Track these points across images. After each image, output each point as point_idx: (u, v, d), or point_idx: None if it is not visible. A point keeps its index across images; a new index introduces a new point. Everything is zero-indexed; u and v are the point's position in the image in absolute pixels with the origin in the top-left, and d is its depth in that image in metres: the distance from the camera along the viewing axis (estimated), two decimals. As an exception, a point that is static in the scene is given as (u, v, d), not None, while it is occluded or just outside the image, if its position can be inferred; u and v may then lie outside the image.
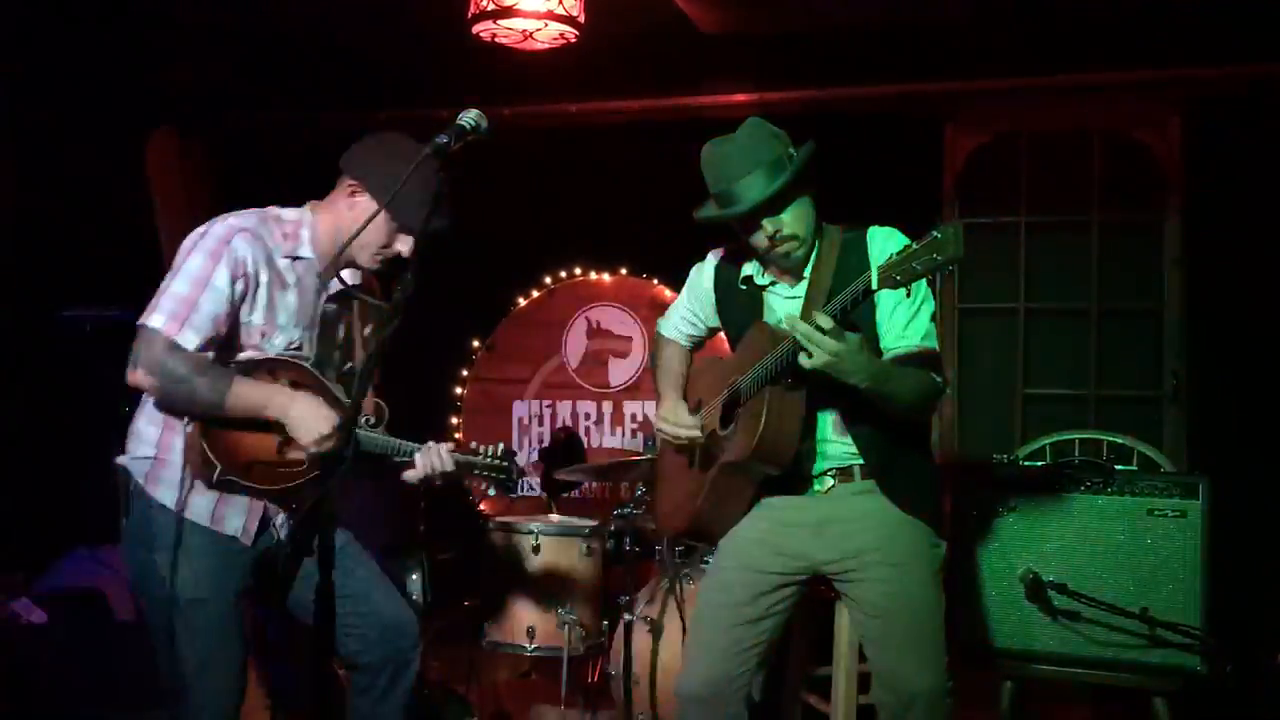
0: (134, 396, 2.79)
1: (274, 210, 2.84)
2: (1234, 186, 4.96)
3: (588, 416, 5.88)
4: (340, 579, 2.18)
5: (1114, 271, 5.29)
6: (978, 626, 3.64)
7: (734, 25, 5.12)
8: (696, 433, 3.05)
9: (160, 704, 2.78)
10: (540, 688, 4.56)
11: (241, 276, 2.69)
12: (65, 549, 4.82)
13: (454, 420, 5.98)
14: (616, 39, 4.74)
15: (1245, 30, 4.70)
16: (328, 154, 2.86)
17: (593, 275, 5.90)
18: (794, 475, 2.87)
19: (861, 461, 2.86)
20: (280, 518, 2.85)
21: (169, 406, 2.70)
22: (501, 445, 2.93)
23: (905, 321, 2.78)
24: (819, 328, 2.51)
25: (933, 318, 2.82)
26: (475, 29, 4.22)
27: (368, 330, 3.01)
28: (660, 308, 4.46)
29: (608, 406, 5.85)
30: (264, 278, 2.74)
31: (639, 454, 4.58)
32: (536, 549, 4.19)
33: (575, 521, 4.38)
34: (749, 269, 2.97)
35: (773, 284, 2.94)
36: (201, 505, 2.72)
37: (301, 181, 2.95)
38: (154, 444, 2.73)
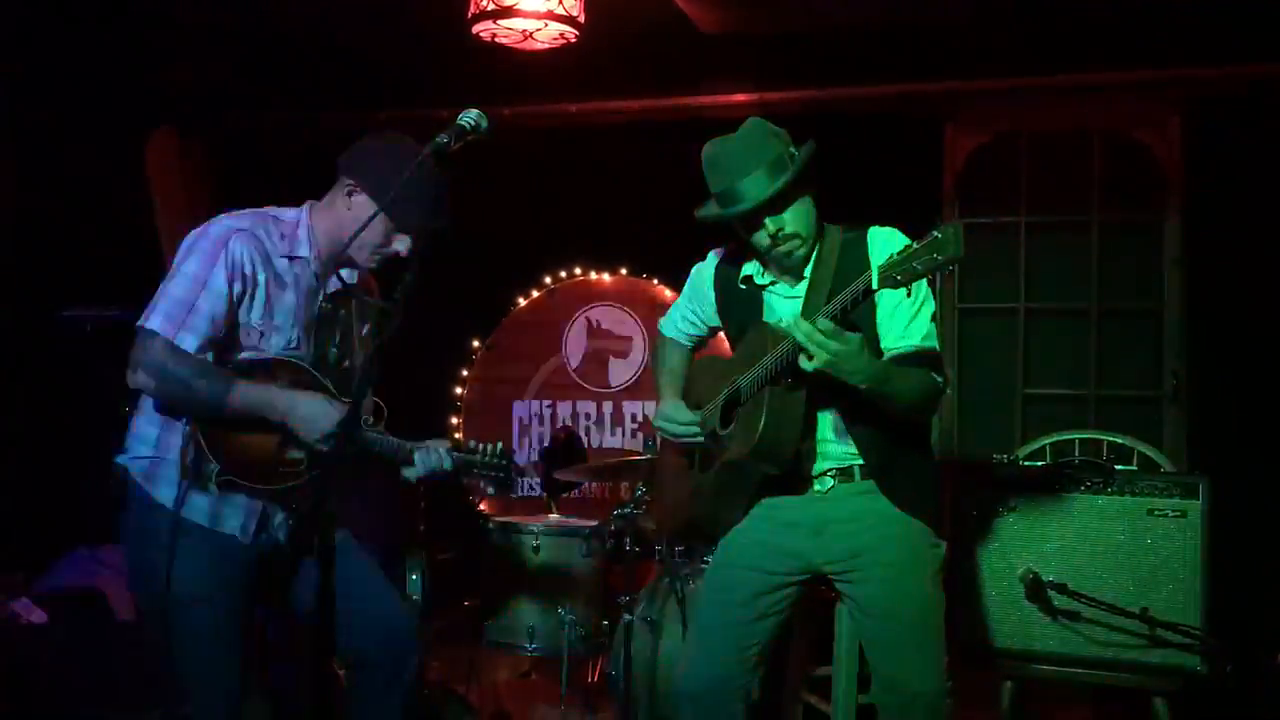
0: (133, 397, 2.80)
1: (272, 210, 2.84)
2: (1234, 186, 4.96)
3: (588, 416, 5.88)
4: (337, 578, 2.17)
5: (1114, 271, 5.30)
6: (978, 626, 3.64)
7: (734, 25, 5.12)
8: (696, 432, 3.05)
9: (159, 704, 2.78)
10: (540, 688, 4.56)
11: (239, 277, 2.69)
12: (65, 549, 4.82)
13: (454, 420, 5.98)
14: (616, 39, 4.74)
15: (1245, 30, 4.70)
16: (328, 154, 2.86)
17: (593, 275, 5.90)
18: (794, 475, 2.87)
19: (861, 462, 2.86)
20: (279, 517, 2.85)
21: (170, 409, 2.70)
22: (499, 444, 2.94)
23: (906, 321, 2.78)
24: (819, 329, 2.51)
25: (933, 317, 2.82)
26: (475, 29, 4.22)
27: (365, 329, 3.01)
28: (660, 308, 4.46)
29: (608, 406, 5.85)
30: (262, 278, 2.74)
31: (639, 454, 4.58)
32: (536, 549, 4.19)
33: (575, 521, 4.38)
34: (749, 268, 2.97)
35: (773, 284, 2.94)
36: (200, 504, 2.71)
37: (301, 181, 2.95)
38: (153, 443, 2.73)
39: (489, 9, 4.10)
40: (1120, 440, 4.10)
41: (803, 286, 2.87)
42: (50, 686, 3.98)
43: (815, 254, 2.86)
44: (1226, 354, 4.97)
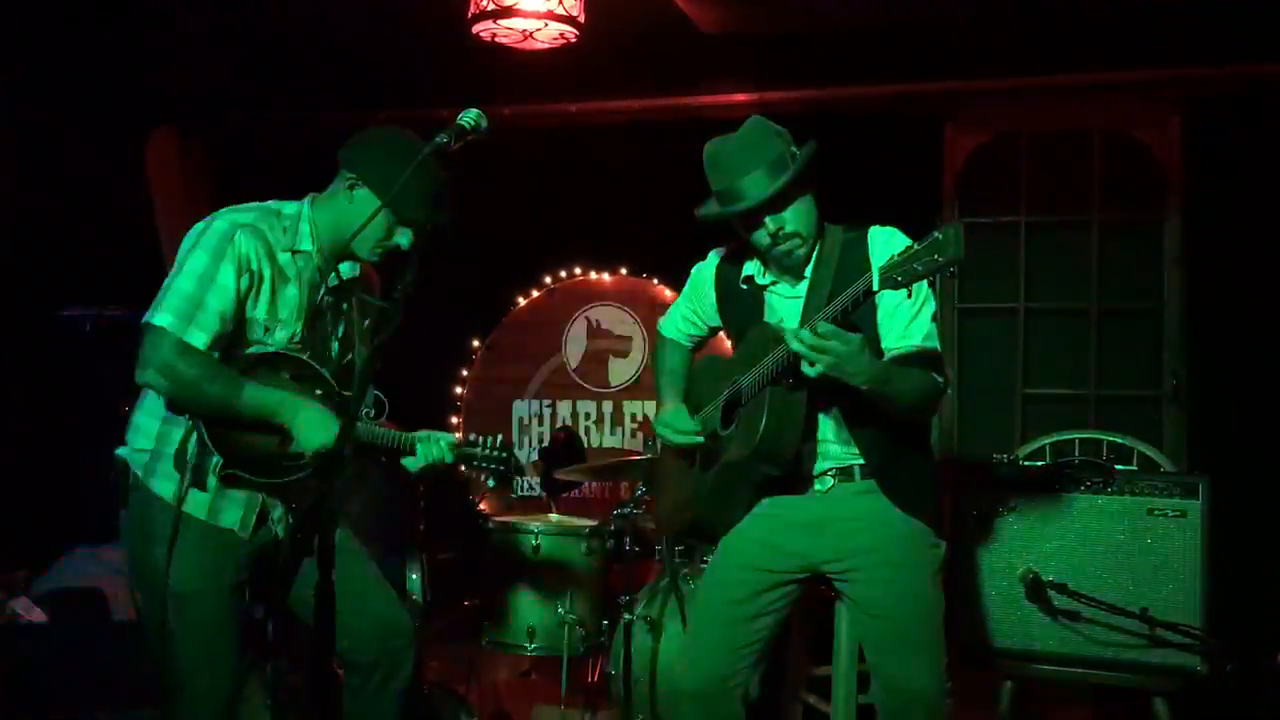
0: (133, 395, 2.80)
1: (274, 204, 2.84)
2: (1234, 186, 4.96)
3: (588, 416, 5.88)
4: (335, 577, 2.18)
5: (1114, 271, 5.30)
6: (978, 626, 3.64)
7: (734, 25, 5.12)
8: (696, 441, 3.05)
9: (157, 702, 2.78)
10: (540, 688, 4.56)
11: (246, 272, 2.69)
12: (65, 548, 4.82)
13: (454, 420, 5.98)
14: (616, 39, 4.74)
15: (1245, 30, 4.70)
16: (328, 154, 2.86)
17: (593, 275, 5.90)
18: (795, 475, 2.87)
19: (862, 462, 2.86)
20: (279, 511, 2.85)
21: (178, 408, 2.70)
22: (500, 436, 2.94)
23: (906, 321, 2.78)
24: (818, 331, 2.50)
25: (934, 317, 2.81)
26: (475, 29, 4.22)
27: (367, 323, 3.01)
28: (660, 308, 4.46)
29: (608, 406, 5.85)
30: (267, 272, 2.74)
31: (639, 454, 4.58)
32: (536, 549, 4.19)
33: (575, 521, 4.38)
34: (750, 268, 2.97)
35: (774, 283, 2.94)
36: (200, 498, 2.72)
37: (301, 181, 2.95)
38: (153, 436, 2.73)
39: (489, 9, 4.10)
40: (1120, 440, 4.10)
41: (803, 286, 2.87)
42: (50, 686, 3.98)
43: (816, 254, 2.86)
44: (1226, 354, 4.97)
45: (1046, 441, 4.15)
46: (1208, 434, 4.99)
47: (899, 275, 2.39)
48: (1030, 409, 5.34)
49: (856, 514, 2.87)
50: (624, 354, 5.82)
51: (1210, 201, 5.05)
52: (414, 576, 4.31)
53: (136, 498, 2.74)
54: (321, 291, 2.87)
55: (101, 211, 5.28)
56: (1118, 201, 5.28)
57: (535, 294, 5.96)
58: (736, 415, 2.91)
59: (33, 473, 4.96)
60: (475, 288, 5.65)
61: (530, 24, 4.18)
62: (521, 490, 5.79)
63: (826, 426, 2.87)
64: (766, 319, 2.93)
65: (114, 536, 2.83)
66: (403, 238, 2.78)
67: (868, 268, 2.50)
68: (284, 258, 2.79)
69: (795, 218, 2.78)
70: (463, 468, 2.88)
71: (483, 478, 3.39)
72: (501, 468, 2.91)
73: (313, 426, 2.68)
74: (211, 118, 5.84)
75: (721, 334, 3.19)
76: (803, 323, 2.69)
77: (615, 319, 5.83)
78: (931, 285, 2.76)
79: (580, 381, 5.88)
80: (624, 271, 5.84)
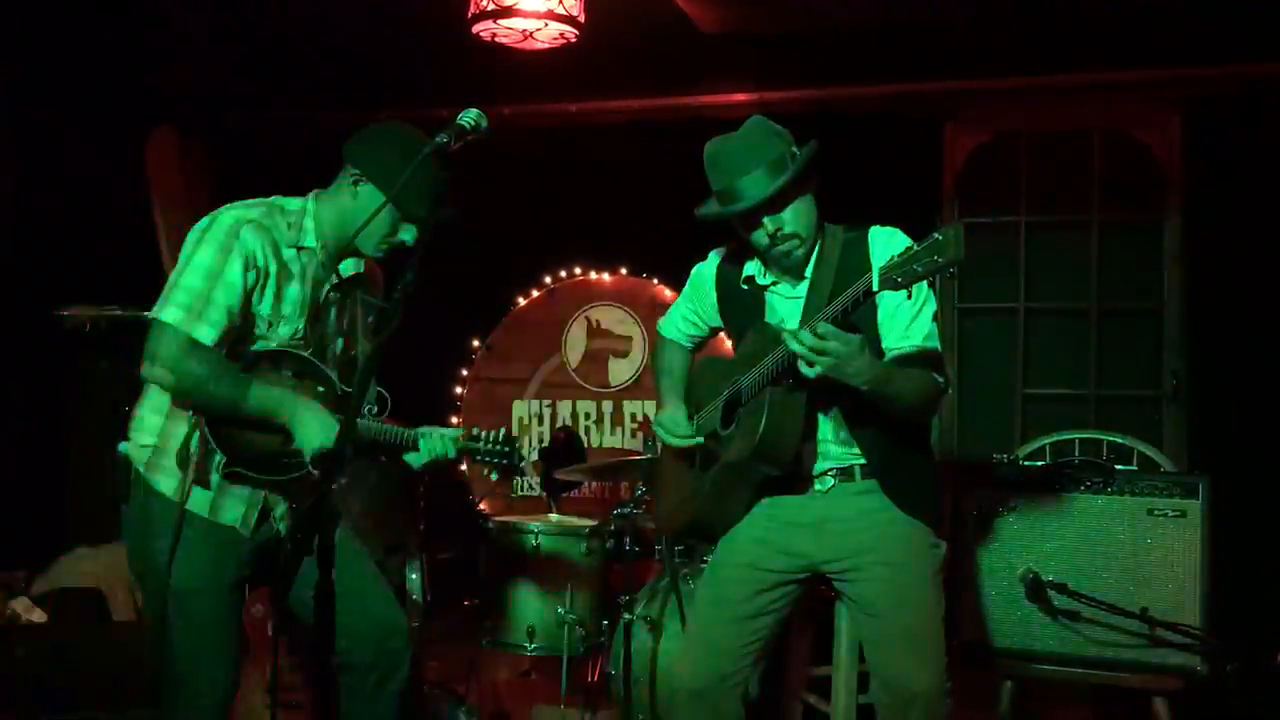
0: (134, 395, 2.80)
1: (278, 200, 2.84)
2: (1234, 186, 4.96)
3: (588, 416, 5.88)
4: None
5: (1114, 271, 5.30)
6: (978, 626, 3.64)
7: (734, 25, 5.12)
8: (695, 440, 3.05)
9: (157, 700, 2.78)
10: (540, 688, 4.56)
11: (252, 268, 2.69)
12: (65, 548, 4.82)
13: (454, 420, 5.97)
14: (616, 39, 4.74)
15: (1245, 30, 4.70)
16: (328, 154, 2.86)
17: (593, 275, 5.89)
18: (794, 475, 2.87)
19: (863, 462, 2.86)
20: (280, 509, 2.85)
21: (184, 404, 2.70)
22: (503, 430, 2.95)
23: (907, 322, 2.77)
24: (818, 332, 2.50)
25: (934, 317, 2.81)
26: (475, 29, 4.22)
27: (370, 319, 3.01)
28: (660, 308, 4.46)
29: (608, 406, 5.85)
30: (272, 269, 2.74)
31: (639, 454, 4.57)
32: (536, 549, 4.19)
33: (575, 521, 4.38)
34: (751, 268, 2.97)
35: (774, 284, 2.94)
36: (202, 495, 2.72)
37: (301, 181, 2.95)
38: (156, 432, 2.73)
39: (489, 9, 4.10)
40: (1120, 440, 4.10)
41: (804, 287, 2.87)
42: (50, 686, 3.98)
43: (816, 254, 2.86)
44: (1226, 354, 4.97)
45: (1046, 441, 4.15)
46: (1208, 434, 4.99)
47: (899, 276, 2.39)
48: (1030, 409, 5.34)
49: (857, 514, 2.87)
50: (624, 354, 5.82)
51: (1210, 201, 5.05)
52: (414, 576, 4.31)
53: (139, 493, 2.74)
54: (325, 288, 2.87)
55: (101, 211, 5.28)
56: (1118, 201, 5.28)
57: (535, 294, 5.95)
58: (737, 415, 2.91)
59: (33, 472, 4.96)
60: (475, 288, 5.65)
61: (530, 24, 4.18)
62: (521, 490, 5.79)
63: (826, 427, 2.87)
64: (767, 319, 2.93)
65: (114, 536, 2.83)
66: (407, 233, 2.78)
67: (868, 268, 2.50)
68: (288, 253, 2.78)
69: (794, 218, 2.78)
70: (465, 465, 2.89)
71: (486, 471, 3.39)
72: (505, 461, 2.91)
73: (312, 427, 2.68)
74: (211, 117, 5.84)
75: (722, 334, 3.19)
76: (803, 323, 2.69)
77: (615, 319, 5.83)
78: (931, 285, 2.76)
79: (580, 381, 5.88)
80: (624, 271, 5.84)
